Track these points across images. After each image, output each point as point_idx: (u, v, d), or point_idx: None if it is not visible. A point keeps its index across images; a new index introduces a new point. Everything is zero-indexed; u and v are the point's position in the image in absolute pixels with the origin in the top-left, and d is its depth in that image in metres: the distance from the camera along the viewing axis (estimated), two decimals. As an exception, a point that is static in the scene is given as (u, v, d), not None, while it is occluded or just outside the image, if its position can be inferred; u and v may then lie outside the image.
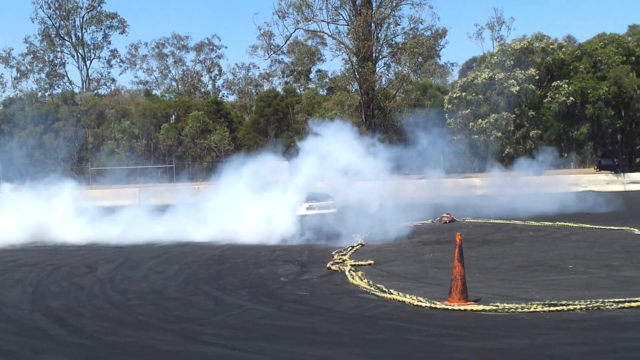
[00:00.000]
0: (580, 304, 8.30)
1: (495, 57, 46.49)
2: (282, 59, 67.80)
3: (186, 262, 13.70)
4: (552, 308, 8.25)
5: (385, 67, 51.16)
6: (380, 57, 49.89)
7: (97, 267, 13.46)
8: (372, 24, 47.43)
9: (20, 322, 8.74)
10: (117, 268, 13.24)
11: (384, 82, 50.85)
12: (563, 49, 47.92)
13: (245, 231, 16.89)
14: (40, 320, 8.78)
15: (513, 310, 8.21)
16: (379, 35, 48.67)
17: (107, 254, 15.52)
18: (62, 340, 7.71)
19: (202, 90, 74.73)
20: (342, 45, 48.99)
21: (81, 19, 70.33)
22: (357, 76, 47.94)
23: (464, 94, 45.66)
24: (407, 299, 9.04)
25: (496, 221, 20.19)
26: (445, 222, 20.43)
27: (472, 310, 8.33)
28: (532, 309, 8.22)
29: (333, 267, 12.22)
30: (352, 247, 15.05)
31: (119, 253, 15.67)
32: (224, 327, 8.05)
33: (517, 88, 43.62)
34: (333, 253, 14.01)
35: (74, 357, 7.08)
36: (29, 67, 70.90)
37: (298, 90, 65.31)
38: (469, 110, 45.33)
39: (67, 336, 7.89)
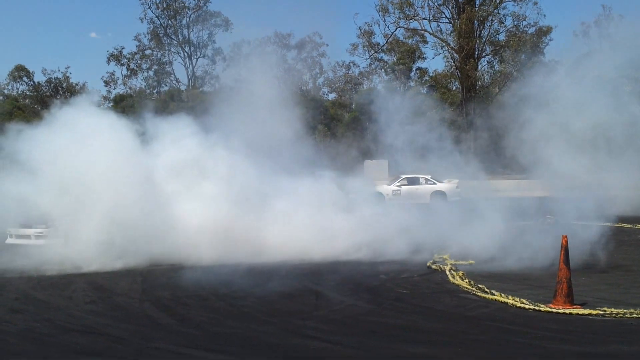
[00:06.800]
0: (694, 312, 7.98)
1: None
2: (382, 57, 67.54)
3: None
4: (663, 315, 7.96)
5: (487, 65, 50.42)
6: (483, 55, 49.15)
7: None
8: (476, 22, 46.75)
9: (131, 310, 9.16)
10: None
11: (486, 80, 50.08)
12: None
13: None
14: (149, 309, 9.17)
15: (621, 315, 7.97)
16: (482, 33, 47.95)
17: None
18: (170, 329, 8.01)
19: (303, 88, 75.38)
20: (444, 43, 48.55)
21: (188, 19, 72.17)
22: (459, 74, 47.39)
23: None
24: (510, 300, 8.91)
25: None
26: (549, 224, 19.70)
27: (577, 314, 8.13)
28: (641, 315, 7.96)
29: (433, 266, 12.16)
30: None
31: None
32: (326, 322, 8.18)
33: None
34: (434, 252, 13.90)
35: (182, 345, 7.32)
36: (138, 65, 73.31)
37: (398, 89, 64.85)
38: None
39: (175, 325, 8.19)
